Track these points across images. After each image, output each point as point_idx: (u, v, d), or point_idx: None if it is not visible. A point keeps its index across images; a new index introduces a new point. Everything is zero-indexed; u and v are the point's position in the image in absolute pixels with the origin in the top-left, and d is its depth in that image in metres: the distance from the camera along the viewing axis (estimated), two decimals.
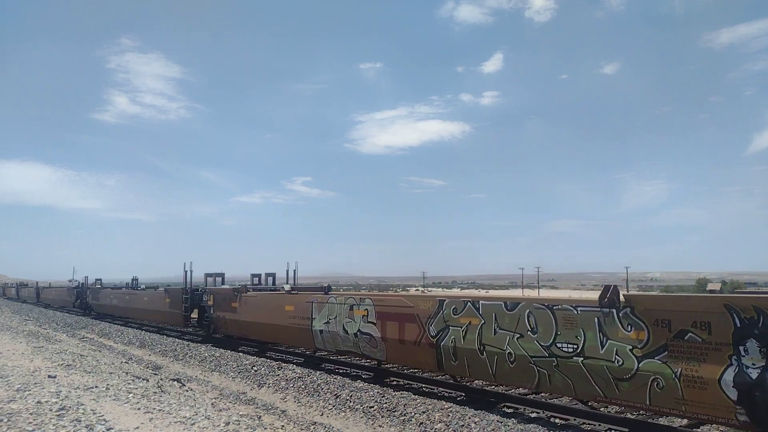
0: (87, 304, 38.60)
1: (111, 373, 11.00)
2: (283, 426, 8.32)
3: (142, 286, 34.70)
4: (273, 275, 20.60)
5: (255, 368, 13.67)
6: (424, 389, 11.44)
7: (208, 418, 7.16)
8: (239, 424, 7.15)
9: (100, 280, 41.48)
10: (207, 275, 22.77)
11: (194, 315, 22.29)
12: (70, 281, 48.57)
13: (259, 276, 20.75)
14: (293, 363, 14.68)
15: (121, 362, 14.54)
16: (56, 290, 51.11)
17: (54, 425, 5.89)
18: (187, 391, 10.25)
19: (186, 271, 22.35)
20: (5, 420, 5.91)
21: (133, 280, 36.76)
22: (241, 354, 16.45)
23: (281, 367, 13.53)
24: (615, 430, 8.21)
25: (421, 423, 8.66)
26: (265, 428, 7.50)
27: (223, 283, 22.76)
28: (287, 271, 20.22)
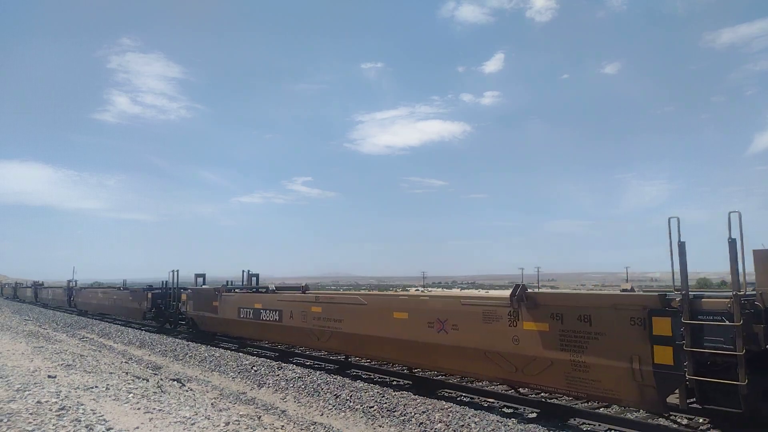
0: (184, 318, 22.69)
1: (111, 373, 11.00)
2: (283, 426, 8.32)
3: (271, 287, 20.20)
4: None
5: (255, 368, 13.67)
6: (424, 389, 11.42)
7: (208, 418, 7.16)
8: (239, 424, 7.15)
9: (231, 282, 23.08)
10: None
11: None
12: (69, 281, 46.12)
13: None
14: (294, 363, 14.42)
15: (121, 362, 14.54)
16: (108, 293, 33.75)
17: (54, 425, 5.89)
18: (187, 391, 10.25)
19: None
20: (5, 420, 5.91)
21: (250, 275, 21.25)
22: (241, 354, 16.45)
23: (281, 367, 13.52)
24: (615, 430, 8.21)
25: (421, 423, 8.66)
26: (265, 428, 7.50)
27: None
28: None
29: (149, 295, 25.74)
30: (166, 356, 17.19)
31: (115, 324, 29.29)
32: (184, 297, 22.19)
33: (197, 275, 23.66)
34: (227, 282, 22.93)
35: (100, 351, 17.49)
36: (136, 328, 26.41)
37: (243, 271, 21.31)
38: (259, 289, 19.61)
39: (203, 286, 22.61)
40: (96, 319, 32.90)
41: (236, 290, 19.71)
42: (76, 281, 46.58)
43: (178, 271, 24.14)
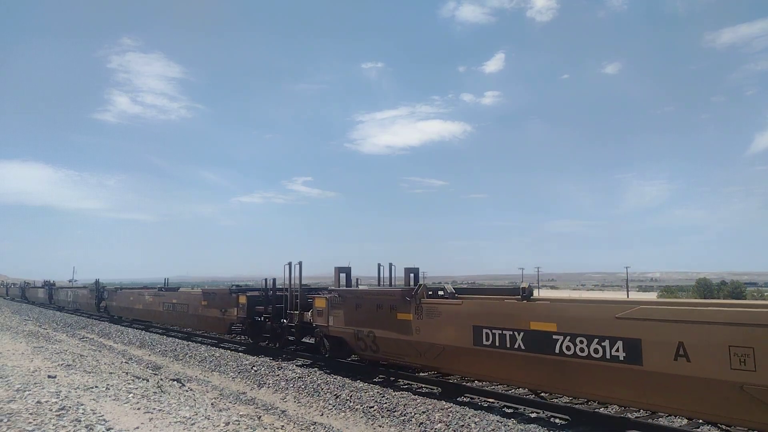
0: (318, 335, 14.22)
1: (111, 373, 11.00)
2: (283, 426, 8.32)
3: (448, 288, 10.75)
4: None
5: (255, 368, 13.66)
6: (424, 389, 11.43)
7: (208, 418, 7.15)
8: (239, 424, 7.15)
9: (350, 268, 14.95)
10: None
11: None
12: (69, 281, 45.58)
13: None
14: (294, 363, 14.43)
15: (121, 362, 14.54)
16: (162, 297, 24.22)
17: (54, 425, 5.89)
18: (187, 391, 10.25)
19: None
20: (5, 420, 5.90)
21: (406, 272, 13.91)
22: (240, 354, 16.44)
23: (281, 367, 13.52)
24: (615, 430, 8.20)
25: (421, 423, 8.66)
26: (265, 428, 7.50)
27: None
28: None
29: (242, 300, 17.11)
30: (166, 356, 17.18)
31: (117, 326, 27.78)
32: (320, 303, 13.47)
33: (339, 269, 14.46)
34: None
35: (100, 351, 17.49)
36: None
37: (379, 265, 13.89)
38: None
39: (363, 287, 14.20)
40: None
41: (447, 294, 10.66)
42: (79, 280, 46.06)
43: (300, 263, 14.98)
